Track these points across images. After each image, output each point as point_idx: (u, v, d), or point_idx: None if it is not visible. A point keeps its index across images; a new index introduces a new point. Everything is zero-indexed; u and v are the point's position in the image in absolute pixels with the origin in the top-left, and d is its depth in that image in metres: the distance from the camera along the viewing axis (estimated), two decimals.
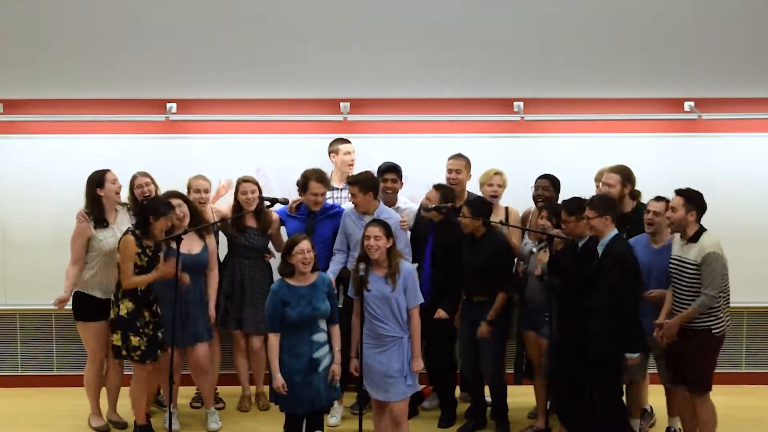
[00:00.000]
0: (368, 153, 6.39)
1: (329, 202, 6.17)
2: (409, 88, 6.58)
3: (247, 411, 6.20)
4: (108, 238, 5.62)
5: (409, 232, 5.82)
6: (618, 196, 5.56)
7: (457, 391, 6.15)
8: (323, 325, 4.94)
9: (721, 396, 5.33)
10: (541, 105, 6.61)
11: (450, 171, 6.01)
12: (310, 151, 6.45)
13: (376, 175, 5.90)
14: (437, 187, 5.82)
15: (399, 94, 6.60)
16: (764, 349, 6.77)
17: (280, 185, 6.40)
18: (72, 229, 5.67)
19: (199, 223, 5.69)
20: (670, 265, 5.18)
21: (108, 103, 6.57)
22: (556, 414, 5.45)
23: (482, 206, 5.58)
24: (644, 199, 5.72)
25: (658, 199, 5.38)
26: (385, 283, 4.95)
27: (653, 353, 5.48)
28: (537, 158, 6.40)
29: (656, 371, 5.62)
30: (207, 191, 6.03)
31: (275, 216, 6.10)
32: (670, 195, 5.26)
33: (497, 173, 6.00)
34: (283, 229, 6.13)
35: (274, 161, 6.55)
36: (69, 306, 5.74)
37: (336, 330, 5.01)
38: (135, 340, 5.38)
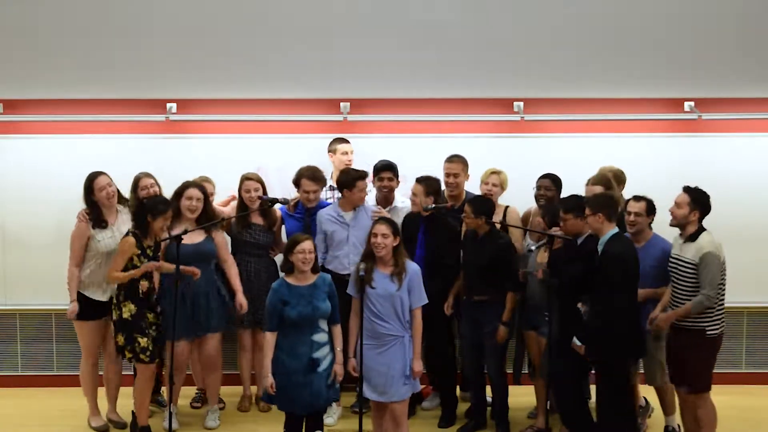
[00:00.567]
0: (368, 153, 6.38)
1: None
2: (409, 88, 6.58)
3: (247, 411, 6.20)
4: (106, 239, 5.62)
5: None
6: None
7: (458, 391, 6.16)
8: (324, 325, 4.94)
9: (721, 396, 5.33)
10: (541, 105, 6.62)
11: (447, 175, 6.00)
12: (310, 151, 6.44)
13: (372, 173, 5.94)
14: (420, 180, 5.80)
15: (399, 94, 6.60)
16: (764, 349, 6.77)
17: (280, 185, 6.39)
18: (73, 228, 5.67)
19: (205, 220, 5.69)
20: (670, 264, 5.21)
21: (108, 103, 6.58)
22: (556, 414, 5.45)
23: (484, 204, 5.57)
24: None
25: (638, 198, 5.38)
26: (391, 282, 4.95)
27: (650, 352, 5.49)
28: (537, 158, 6.40)
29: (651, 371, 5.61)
30: (211, 193, 6.03)
31: (279, 213, 6.12)
32: (670, 195, 5.28)
33: (494, 172, 5.99)
34: (282, 229, 6.14)
35: (274, 161, 6.55)
36: (68, 305, 5.74)
37: (337, 330, 5.01)
38: (143, 341, 5.38)
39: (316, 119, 6.62)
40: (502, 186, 6.00)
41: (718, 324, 5.09)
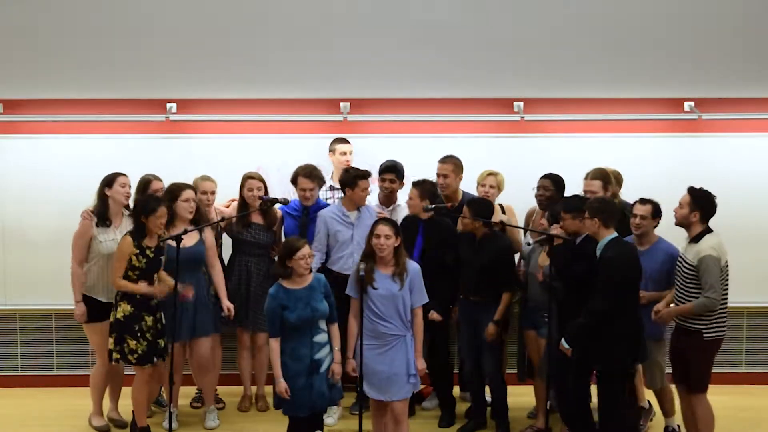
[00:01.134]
0: (368, 153, 6.39)
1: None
2: (409, 88, 6.59)
3: (246, 411, 6.20)
4: (108, 240, 5.61)
5: None
6: None
7: (457, 391, 6.16)
8: (323, 325, 4.94)
9: (720, 396, 5.34)
10: (541, 105, 6.62)
11: (438, 176, 6.01)
12: (310, 151, 6.44)
13: (377, 174, 5.94)
14: (416, 184, 5.80)
15: (399, 94, 6.60)
16: (764, 349, 6.77)
17: (280, 185, 6.39)
18: (73, 228, 5.67)
19: (200, 222, 5.69)
20: (677, 264, 5.21)
21: (108, 103, 6.58)
22: (556, 414, 5.45)
23: (483, 206, 5.57)
24: (632, 198, 5.73)
25: (644, 201, 5.37)
26: (393, 282, 4.95)
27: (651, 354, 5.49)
28: (537, 158, 6.40)
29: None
30: (213, 193, 6.02)
31: (279, 213, 6.12)
32: (670, 195, 5.29)
33: (491, 174, 6.00)
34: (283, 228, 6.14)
35: (274, 161, 6.55)
36: (71, 306, 5.74)
37: (335, 329, 5.01)
38: (132, 344, 5.36)
39: (316, 119, 6.62)
40: (499, 187, 6.01)
41: (716, 328, 5.07)
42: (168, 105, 6.55)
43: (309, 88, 6.59)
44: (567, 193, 5.67)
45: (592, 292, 4.93)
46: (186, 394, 6.25)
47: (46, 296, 6.53)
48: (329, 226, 5.85)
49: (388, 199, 6.08)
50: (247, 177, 6.01)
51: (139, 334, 5.37)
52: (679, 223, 5.17)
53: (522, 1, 6.47)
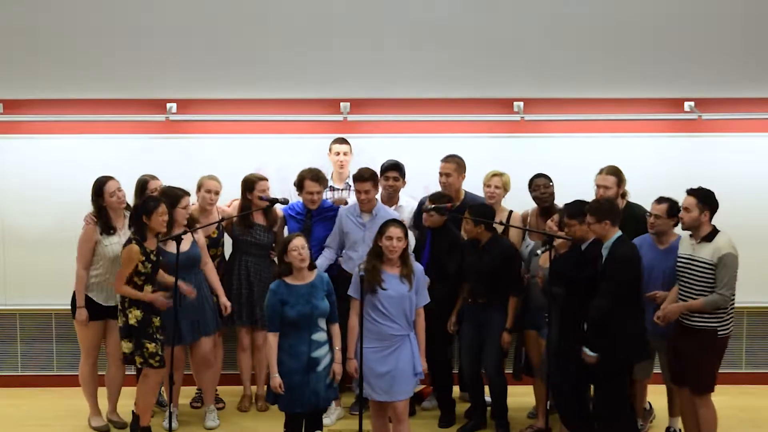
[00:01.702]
0: (368, 153, 6.39)
1: (330, 202, 6.17)
2: (409, 88, 6.58)
3: (246, 411, 6.20)
4: (113, 244, 5.61)
5: (413, 240, 5.82)
6: (614, 198, 5.56)
7: (456, 391, 6.16)
8: (323, 324, 4.94)
9: (721, 396, 5.32)
10: (541, 105, 6.62)
11: (440, 174, 6.01)
12: (310, 151, 6.45)
13: (378, 173, 5.94)
14: (431, 197, 5.77)
15: (399, 94, 6.60)
16: (764, 349, 6.77)
17: (280, 185, 6.39)
18: (73, 228, 5.67)
19: (193, 226, 5.68)
20: (678, 264, 5.17)
21: (108, 103, 6.57)
22: (556, 414, 5.45)
23: (485, 213, 5.57)
24: (633, 198, 5.76)
25: (661, 200, 5.35)
26: (401, 283, 4.96)
27: (658, 353, 5.48)
28: (537, 158, 6.39)
29: (660, 371, 5.61)
30: (217, 193, 6.02)
31: (281, 213, 6.11)
32: (670, 195, 5.28)
33: (496, 174, 5.99)
34: (285, 230, 6.13)
35: (274, 161, 6.55)
36: (68, 305, 5.75)
37: (336, 329, 5.01)
38: (152, 347, 5.36)
39: (316, 119, 6.62)
40: (505, 188, 6.00)
41: (729, 324, 5.08)
42: (168, 105, 6.55)
43: (309, 88, 6.59)
44: (566, 194, 5.64)
45: (597, 292, 4.94)
46: (186, 394, 6.25)
47: (46, 296, 6.52)
48: (343, 224, 5.85)
49: (390, 198, 6.07)
50: (258, 178, 5.98)
51: (155, 337, 5.37)
52: (688, 227, 5.14)
53: (522, 1, 6.48)
